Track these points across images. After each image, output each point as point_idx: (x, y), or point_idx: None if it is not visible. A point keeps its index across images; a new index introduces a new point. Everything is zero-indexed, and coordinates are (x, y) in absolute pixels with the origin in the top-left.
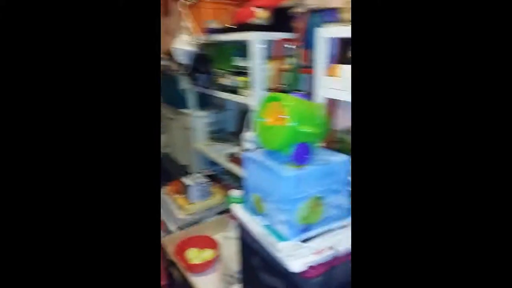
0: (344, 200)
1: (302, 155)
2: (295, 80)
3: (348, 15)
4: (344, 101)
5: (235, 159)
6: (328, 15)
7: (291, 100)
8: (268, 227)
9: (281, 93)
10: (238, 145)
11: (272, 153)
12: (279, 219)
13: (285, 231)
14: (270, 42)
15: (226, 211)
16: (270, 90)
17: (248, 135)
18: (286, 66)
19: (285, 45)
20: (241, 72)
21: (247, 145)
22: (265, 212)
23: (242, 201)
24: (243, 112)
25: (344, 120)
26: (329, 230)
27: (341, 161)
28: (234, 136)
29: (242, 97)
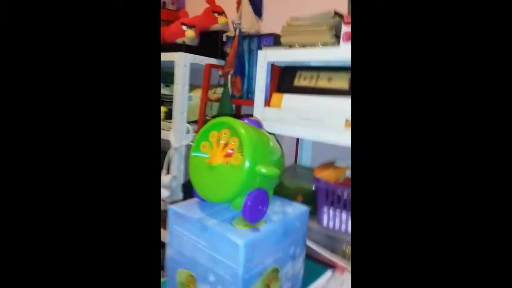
0: (300, 266)
1: (257, 208)
2: (225, 112)
3: (287, 39)
4: (287, 137)
5: None
6: (263, 40)
7: (243, 127)
8: None
9: (228, 118)
10: None
11: (211, 205)
12: None
13: None
14: (196, 68)
15: None
16: (193, 122)
17: (166, 179)
18: (215, 96)
19: (215, 72)
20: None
21: (165, 193)
22: None
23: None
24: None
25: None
26: None
27: (301, 213)
28: None
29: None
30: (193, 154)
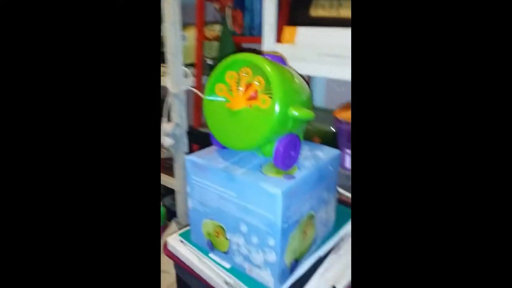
0: (332, 211)
1: (290, 154)
2: (226, 52)
3: None
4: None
5: None
6: None
7: (269, 65)
8: (235, 272)
9: (249, 54)
10: None
11: (233, 153)
12: (257, 261)
13: (269, 278)
14: (187, 3)
15: None
16: (189, 65)
17: (168, 128)
18: (212, 34)
19: (210, 7)
20: None
21: (168, 141)
22: (229, 250)
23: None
24: None
25: None
26: (320, 260)
27: (333, 157)
28: None
29: None
30: (207, 98)
